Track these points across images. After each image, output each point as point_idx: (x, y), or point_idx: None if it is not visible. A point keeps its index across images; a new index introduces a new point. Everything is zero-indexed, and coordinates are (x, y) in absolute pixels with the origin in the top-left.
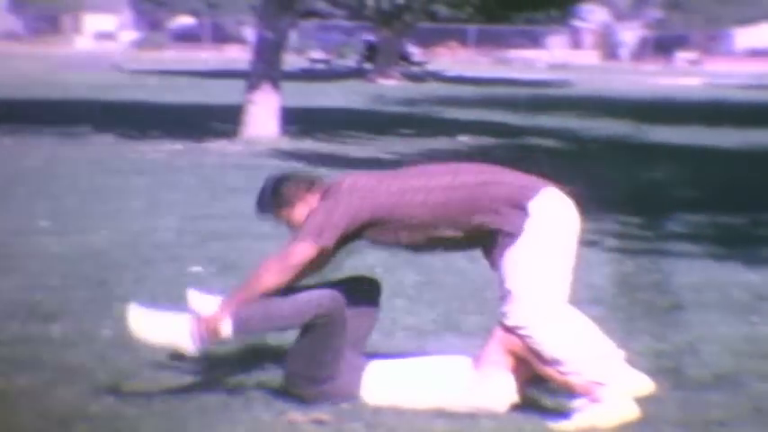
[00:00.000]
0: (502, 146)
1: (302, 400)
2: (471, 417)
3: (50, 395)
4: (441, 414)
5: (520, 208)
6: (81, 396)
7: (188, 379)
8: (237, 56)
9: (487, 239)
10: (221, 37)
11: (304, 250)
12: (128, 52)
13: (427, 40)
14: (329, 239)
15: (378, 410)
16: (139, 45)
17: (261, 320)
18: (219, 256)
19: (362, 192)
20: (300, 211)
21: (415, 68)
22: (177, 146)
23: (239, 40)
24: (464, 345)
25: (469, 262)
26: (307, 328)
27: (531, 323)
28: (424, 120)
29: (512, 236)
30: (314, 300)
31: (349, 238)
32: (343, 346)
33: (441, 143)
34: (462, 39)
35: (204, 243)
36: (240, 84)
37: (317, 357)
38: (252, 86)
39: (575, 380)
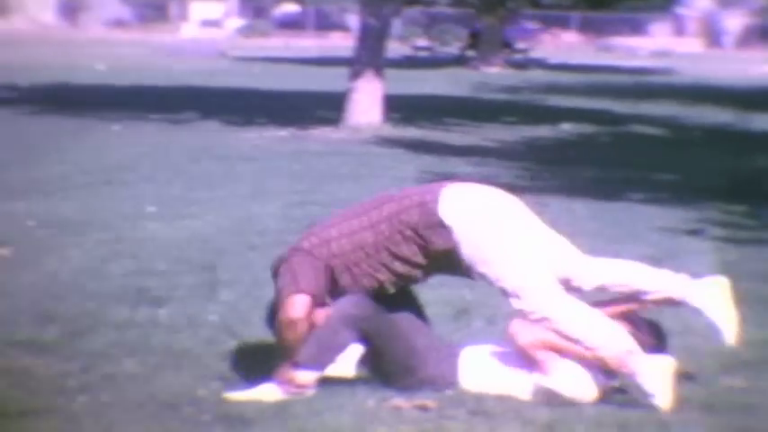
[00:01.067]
0: (604, 133)
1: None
2: (574, 405)
3: (158, 379)
4: (543, 402)
5: (435, 225)
6: (188, 380)
7: None
8: (341, 43)
9: (445, 258)
10: (325, 24)
11: (294, 302)
12: (233, 39)
13: (531, 28)
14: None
15: (480, 397)
16: (244, 32)
17: (322, 352)
18: None
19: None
20: None
21: (517, 56)
22: (281, 132)
23: (343, 27)
24: None
25: None
26: (364, 340)
27: (537, 306)
28: (527, 107)
29: (455, 249)
30: (342, 312)
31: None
32: (412, 336)
33: (543, 131)
34: (565, 26)
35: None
36: (343, 71)
37: (396, 358)
38: (355, 74)
39: (606, 353)
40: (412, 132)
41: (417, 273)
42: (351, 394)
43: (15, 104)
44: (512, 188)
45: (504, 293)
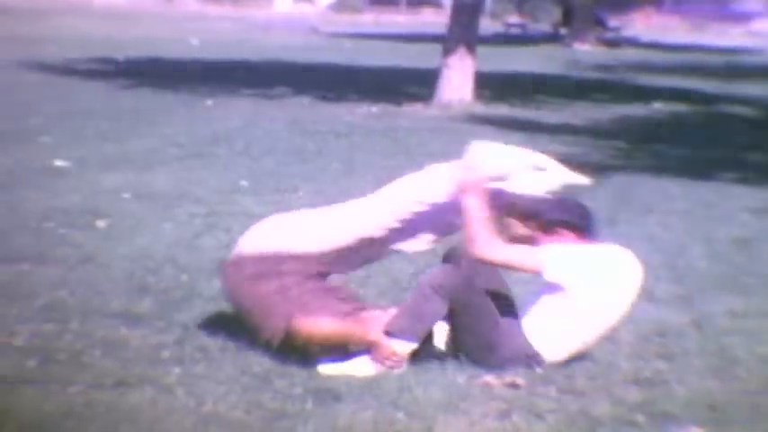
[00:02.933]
0: (696, 113)
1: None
2: (665, 383)
3: (251, 352)
4: (636, 381)
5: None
6: (280, 353)
7: None
8: (432, 19)
9: None
10: (417, 1)
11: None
12: (325, 15)
13: (623, 6)
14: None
15: (571, 375)
16: (336, 8)
17: (415, 322)
18: None
19: None
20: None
21: (609, 34)
22: (373, 109)
23: (434, 3)
24: (656, 312)
25: (663, 230)
26: (451, 311)
27: None
28: (619, 86)
29: None
30: (435, 281)
31: None
32: (498, 313)
33: (635, 109)
34: (658, 4)
35: None
36: (434, 48)
37: (481, 333)
38: (448, 50)
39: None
40: (502, 110)
41: None
42: (441, 371)
43: (111, 78)
44: (602, 167)
45: None
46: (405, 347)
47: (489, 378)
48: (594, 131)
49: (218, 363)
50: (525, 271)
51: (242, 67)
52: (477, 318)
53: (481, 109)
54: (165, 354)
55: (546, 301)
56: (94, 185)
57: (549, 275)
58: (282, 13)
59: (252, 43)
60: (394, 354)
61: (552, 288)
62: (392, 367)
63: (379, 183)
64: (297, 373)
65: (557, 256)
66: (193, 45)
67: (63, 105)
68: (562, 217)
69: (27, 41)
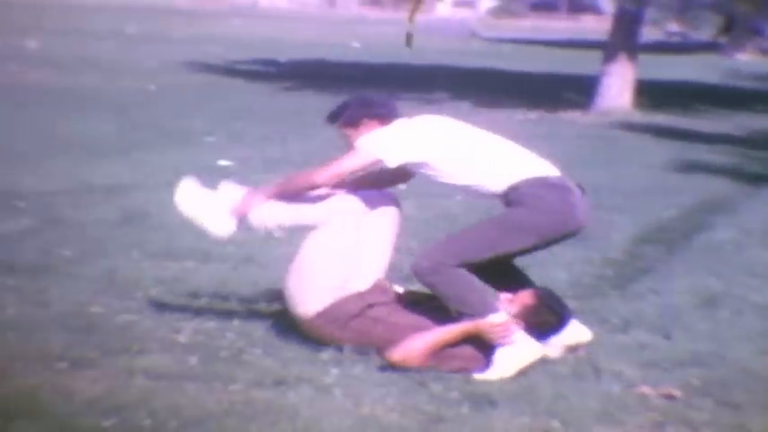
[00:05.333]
0: None
1: None
2: None
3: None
4: None
5: None
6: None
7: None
8: (592, 26)
9: None
10: (577, 7)
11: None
12: (485, 20)
13: None
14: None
15: (728, 386)
16: (496, 13)
17: (473, 295)
18: None
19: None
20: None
21: None
22: (531, 115)
23: (595, 10)
24: None
25: None
26: None
27: None
28: None
29: None
30: (430, 262)
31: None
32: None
33: None
34: None
35: None
36: (593, 54)
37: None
38: (608, 57)
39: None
40: (661, 118)
41: None
42: (595, 379)
43: (274, 79)
44: (757, 177)
45: None
46: (500, 317)
47: (645, 388)
48: (752, 142)
49: (376, 365)
50: (367, 168)
51: (402, 71)
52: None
53: (639, 117)
54: (324, 355)
55: None
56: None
57: (390, 160)
58: (443, 17)
59: (413, 47)
60: (499, 326)
61: None
62: (505, 336)
63: None
64: (453, 377)
65: (379, 139)
66: (354, 48)
67: (226, 106)
68: (363, 111)
69: (192, 43)
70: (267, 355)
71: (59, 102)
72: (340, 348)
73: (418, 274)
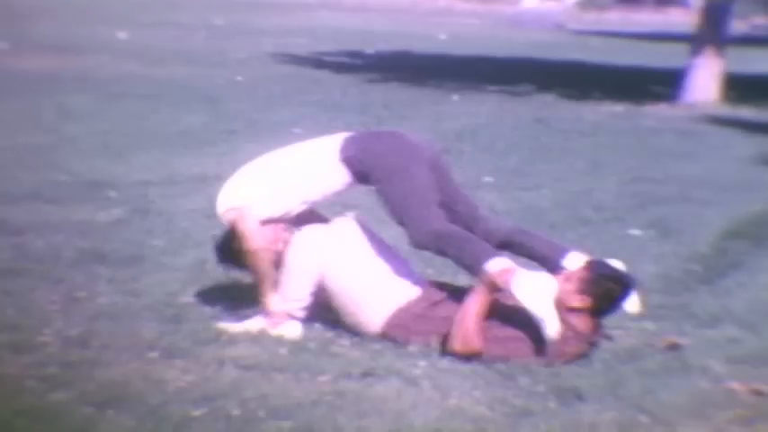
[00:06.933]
0: None
1: None
2: None
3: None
4: None
5: None
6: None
7: (629, 342)
8: (678, 19)
9: None
10: (664, 0)
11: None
12: (571, 12)
13: None
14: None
15: None
16: (583, 6)
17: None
18: (659, 220)
19: None
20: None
21: None
22: (616, 108)
23: (681, 3)
24: None
25: None
26: None
27: None
28: None
29: None
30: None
31: None
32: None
33: None
34: None
35: (643, 206)
36: (679, 48)
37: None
38: (696, 50)
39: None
40: (748, 112)
41: None
42: (683, 374)
43: (360, 71)
44: None
45: None
46: (499, 263)
47: (734, 384)
48: None
49: (462, 358)
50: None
51: (488, 63)
52: None
53: (726, 110)
54: (412, 347)
55: None
56: None
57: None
58: (529, 10)
59: (498, 39)
60: (502, 272)
61: None
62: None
63: (623, 183)
64: (540, 370)
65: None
66: (441, 40)
67: (313, 98)
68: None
69: (280, 34)
70: (355, 347)
71: (149, 93)
72: (428, 341)
73: (424, 246)
